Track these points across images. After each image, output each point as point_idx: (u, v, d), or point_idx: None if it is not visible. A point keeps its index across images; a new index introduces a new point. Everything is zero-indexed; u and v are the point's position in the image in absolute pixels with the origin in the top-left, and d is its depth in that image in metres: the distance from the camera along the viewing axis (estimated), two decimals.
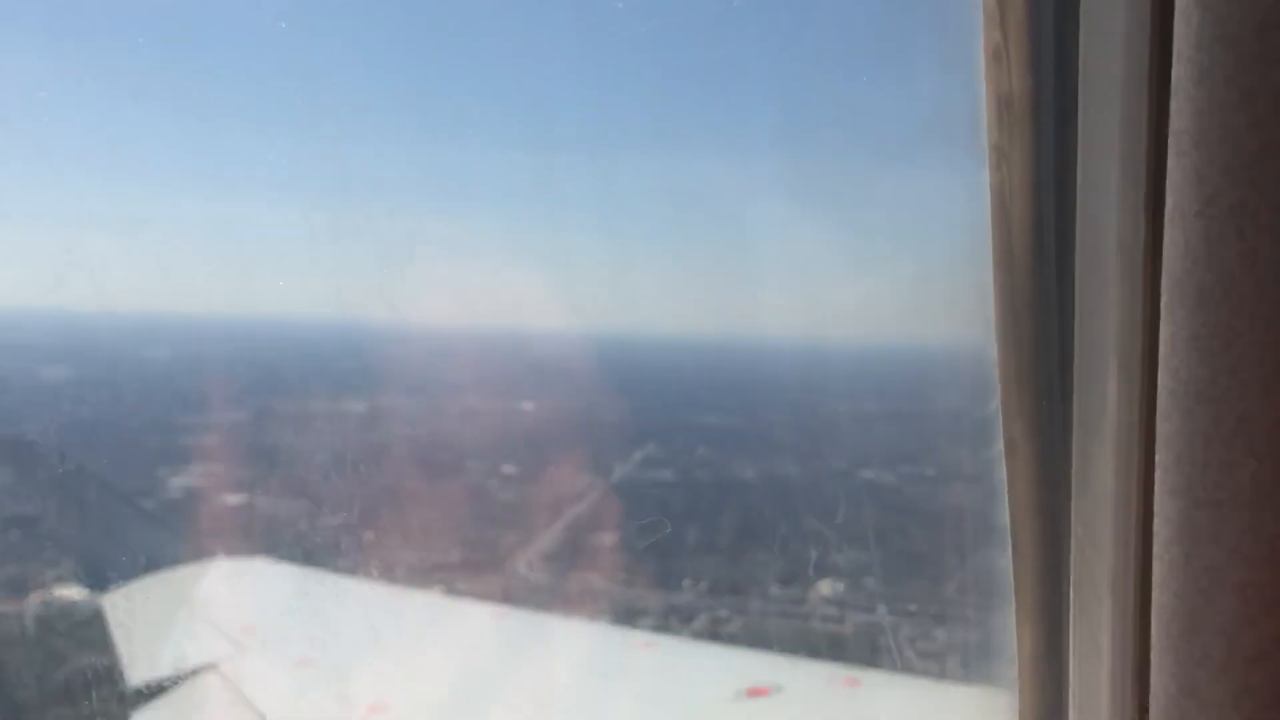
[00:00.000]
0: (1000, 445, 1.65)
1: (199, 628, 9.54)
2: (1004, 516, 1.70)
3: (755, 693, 6.55)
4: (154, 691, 8.46)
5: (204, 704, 7.91)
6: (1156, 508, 1.07)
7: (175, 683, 8.18)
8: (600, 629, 9.63)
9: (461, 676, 8.31)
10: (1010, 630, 1.73)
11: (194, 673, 8.08)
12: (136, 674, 8.59)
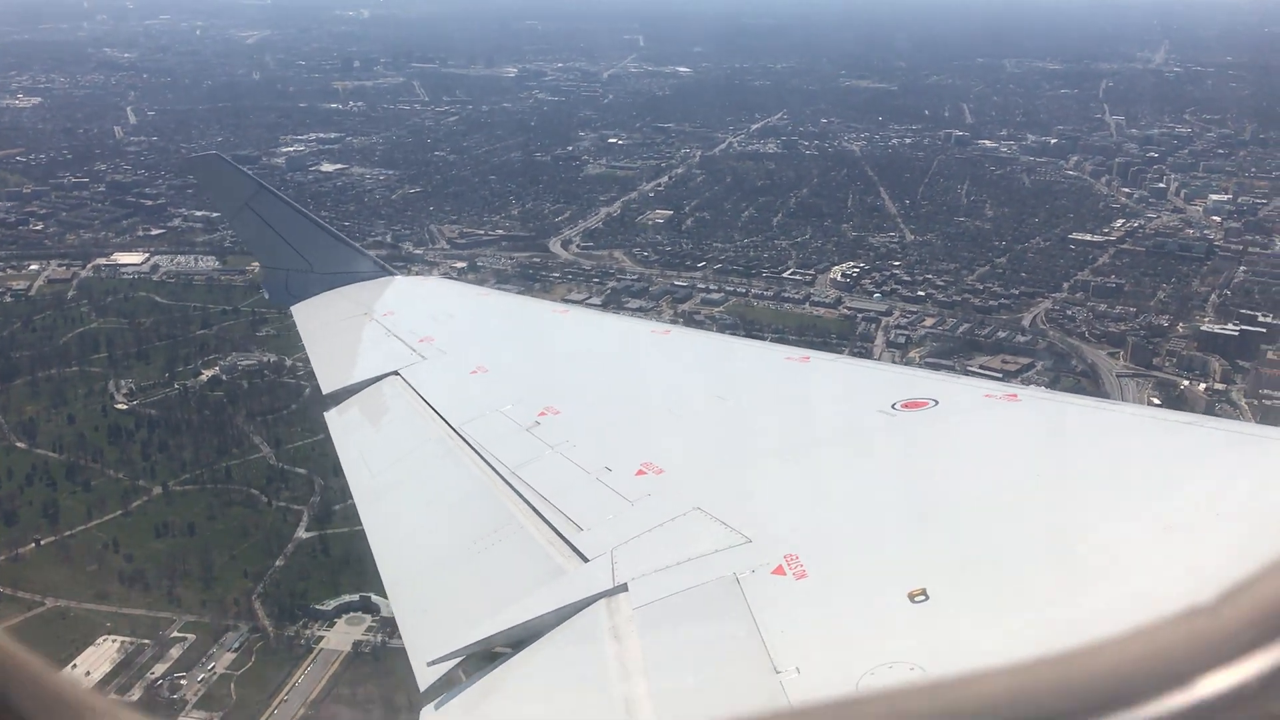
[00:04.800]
0: None
1: (381, 337, 11.75)
2: None
3: (911, 405, 6.84)
4: (343, 394, 10.29)
5: (387, 406, 9.81)
6: None
7: (360, 386, 10.29)
8: (758, 345, 10.33)
9: (628, 385, 9.60)
10: None
11: (377, 378, 10.25)
12: (325, 378, 10.96)
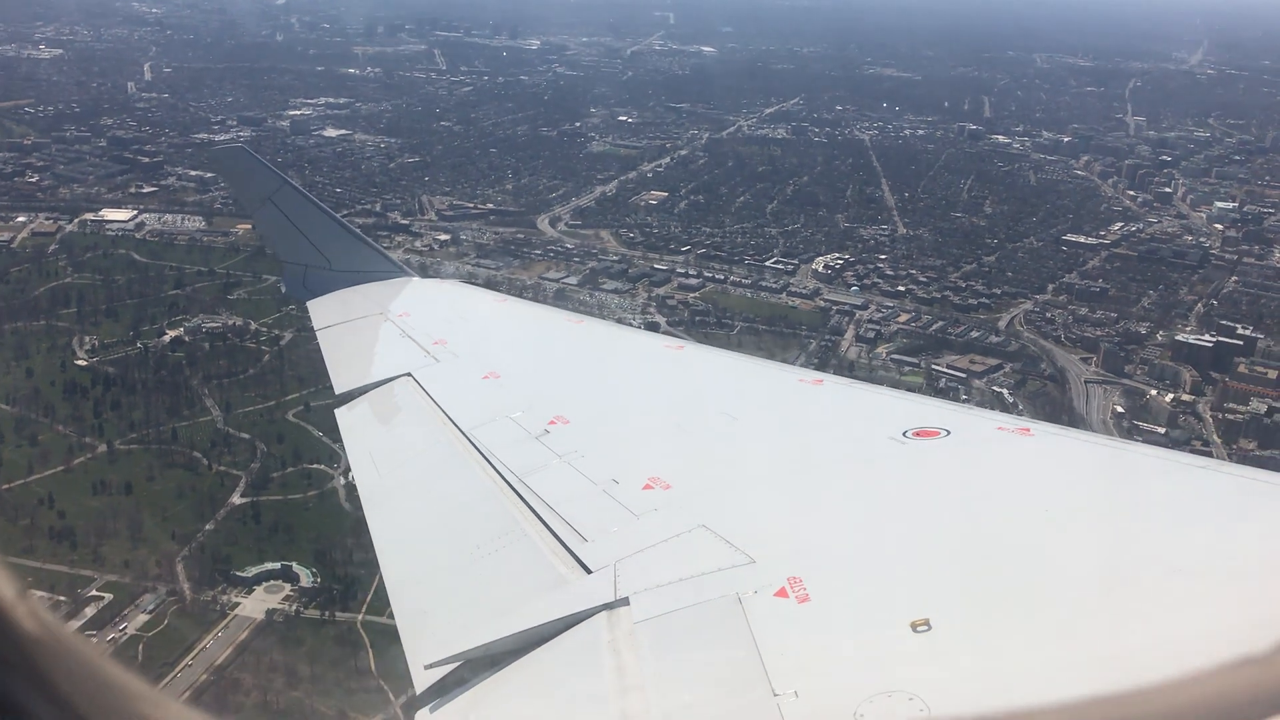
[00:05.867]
0: None
1: (396, 338, 11.82)
2: None
3: (923, 434, 6.89)
4: (355, 393, 10.41)
5: (398, 407, 9.87)
6: None
7: (372, 386, 10.39)
8: (771, 366, 10.45)
9: (639, 399, 9.56)
10: None
11: (390, 379, 10.34)
12: (338, 375, 11.03)
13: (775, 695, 4.17)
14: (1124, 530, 5.32)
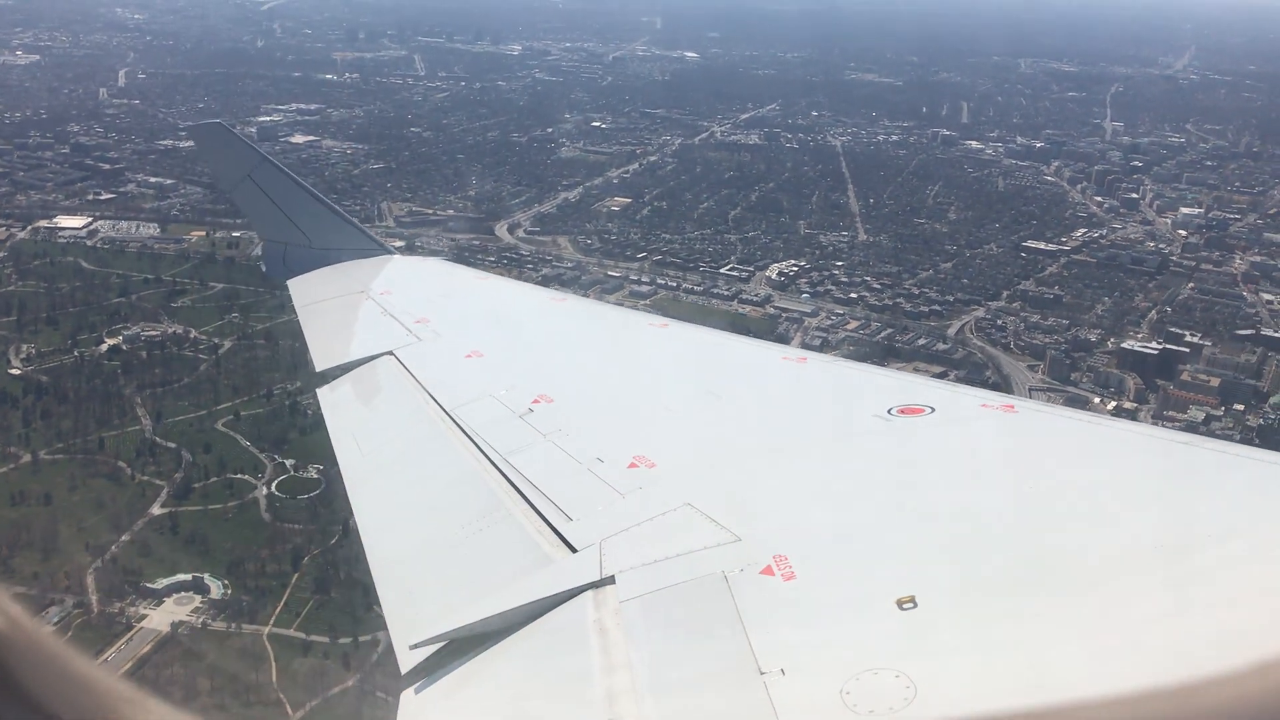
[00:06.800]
0: None
1: (377, 317, 11.67)
2: None
3: (908, 411, 6.88)
4: (335, 372, 10.24)
5: (380, 386, 9.77)
6: None
7: (354, 365, 10.22)
8: (756, 344, 10.33)
9: (623, 377, 9.54)
10: None
11: (372, 357, 10.23)
12: (318, 354, 10.81)
13: (761, 673, 4.21)
14: (1109, 506, 5.41)
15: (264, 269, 14.92)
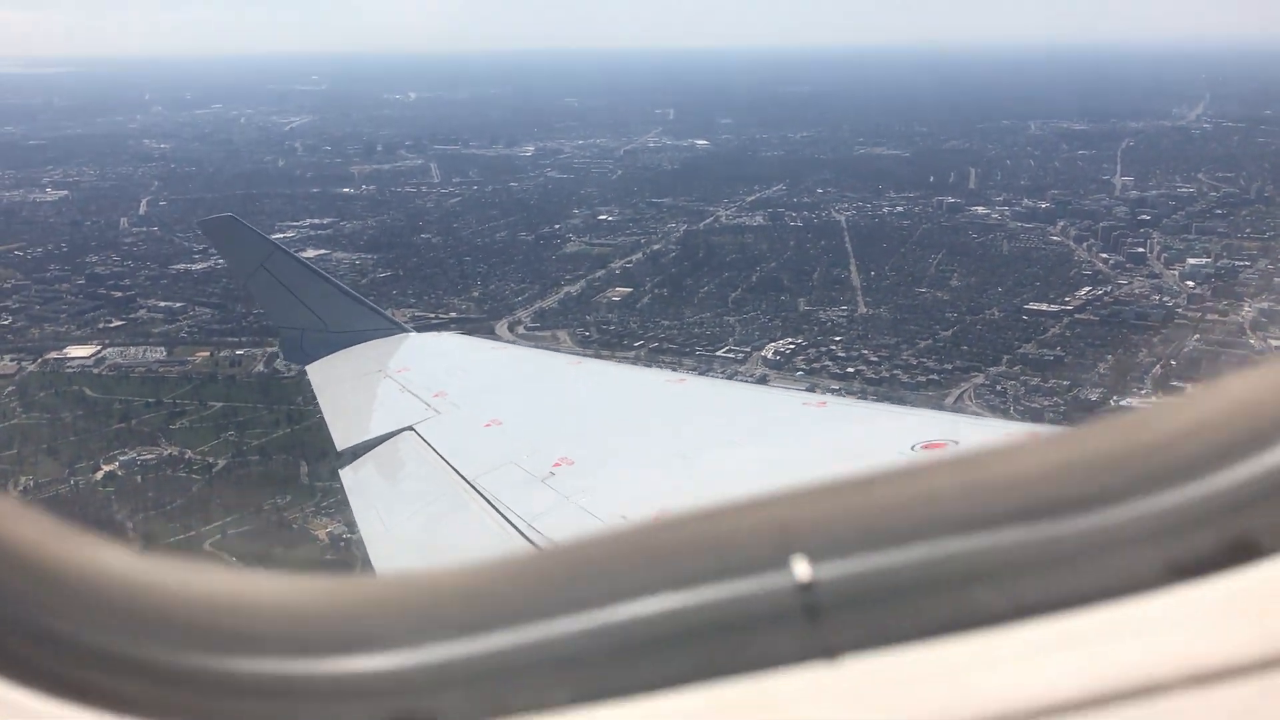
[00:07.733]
0: None
1: (395, 394, 11.93)
2: None
3: (932, 447, 6.88)
4: (357, 451, 10.52)
5: (402, 461, 9.99)
6: None
7: (375, 443, 10.46)
8: (777, 391, 10.50)
9: (643, 434, 9.76)
10: None
11: (392, 434, 10.44)
12: (339, 435, 11.07)
13: None
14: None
15: (282, 356, 15.47)
